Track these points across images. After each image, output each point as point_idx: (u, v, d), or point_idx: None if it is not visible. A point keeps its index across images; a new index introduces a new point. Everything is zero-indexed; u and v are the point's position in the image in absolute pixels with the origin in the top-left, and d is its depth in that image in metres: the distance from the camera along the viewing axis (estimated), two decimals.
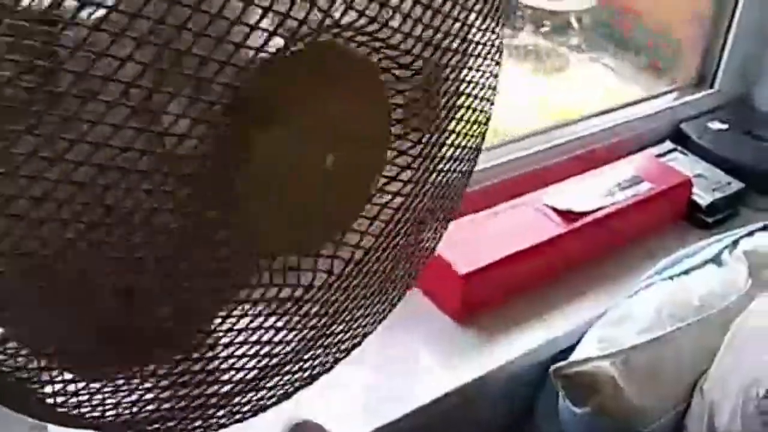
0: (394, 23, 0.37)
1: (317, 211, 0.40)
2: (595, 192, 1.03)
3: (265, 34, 0.31)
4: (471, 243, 0.94)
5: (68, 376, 0.41)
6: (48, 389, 0.41)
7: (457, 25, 0.43)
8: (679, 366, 0.90)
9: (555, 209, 0.99)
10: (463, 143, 0.52)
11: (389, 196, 0.45)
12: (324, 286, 0.46)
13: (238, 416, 0.49)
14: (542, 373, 0.92)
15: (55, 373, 0.40)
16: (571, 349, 0.91)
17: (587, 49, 2.16)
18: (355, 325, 0.54)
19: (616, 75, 1.96)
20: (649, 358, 0.88)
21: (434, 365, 0.88)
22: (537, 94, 2.01)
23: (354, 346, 0.56)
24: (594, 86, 1.97)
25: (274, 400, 0.52)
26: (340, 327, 0.52)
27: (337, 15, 0.34)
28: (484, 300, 0.92)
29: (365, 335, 0.57)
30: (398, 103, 0.42)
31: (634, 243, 1.04)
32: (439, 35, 0.42)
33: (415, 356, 0.89)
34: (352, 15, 0.35)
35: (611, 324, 0.92)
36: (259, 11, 0.30)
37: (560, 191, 1.03)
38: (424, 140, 0.46)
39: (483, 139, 0.56)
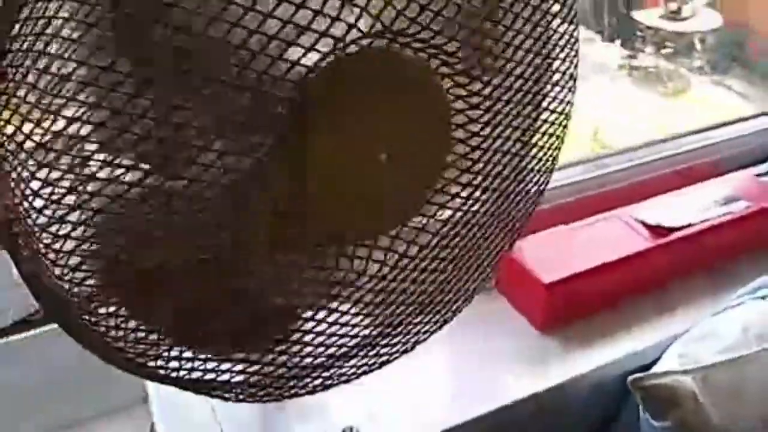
0: (450, 32, 0.40)
1: (375, 202, 0.44)
2: (687, 208, 1.02)
3: (315, 36, 0.36)
4: (558, 253, 0.97)
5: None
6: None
7: (521, 36, 0.46)
8: (764, 387, 0.89)
9: (645, 223, 1.00)
10: (533, 153, 0.55)
11: (448, 197, 0.49)
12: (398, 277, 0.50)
13: (311, 387, 0.54)
14: (625, 386, 0.92)
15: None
16: (655, 363, 0.91)
17: (711, 71, 2.11)
18: (426, 320, 0.58)
19: (741, 98, 1.91)
20: (731, 376, 0.88)
21: (514, 370, 0.91)
22: (657, 116, 1.98)
23: (429, 334, 0.60)
24: (716, 109, 1.93)
25: (346, 378, 0.56)
26: (413, 318, 0.56)
27: (387, 21, 0.38)
28: (568, 310, 0.94)
29: (435, 329, 0.60)
30: (459, 108, 0.46)
31: (727, 261, 1.03)
32: (500, 45, 0.45)
33: (496, 360, 0.92)
34: (404, 21, 0.38)
35: (694, 340, 0.91)
36: (310, 14, 0.35)
37: (652, 206, 1.03)
38: (484, 146, 0.49)
39: (558, 150, 0.58)
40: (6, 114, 0.36)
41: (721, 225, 1.01)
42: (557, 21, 0.50)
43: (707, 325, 0.93)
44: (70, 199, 0.37)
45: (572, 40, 0.53)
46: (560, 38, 0.51)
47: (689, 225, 1.00)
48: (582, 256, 0.95)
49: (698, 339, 0.92)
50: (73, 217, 0.37)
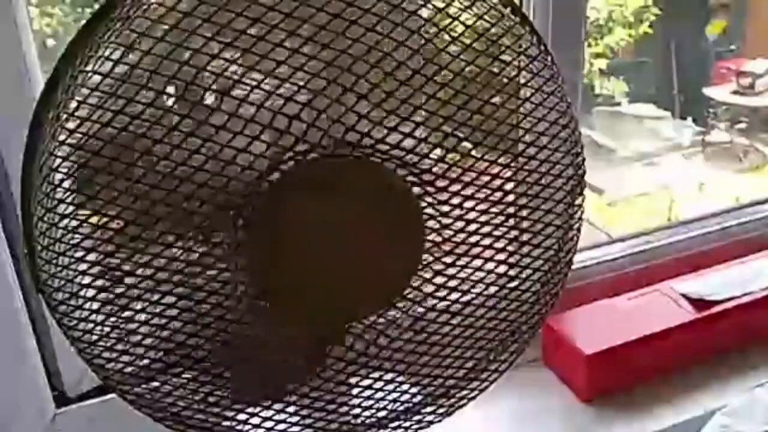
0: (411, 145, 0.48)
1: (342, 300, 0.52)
2: (731, 282, 1.05)
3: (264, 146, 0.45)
4: (601, 326, 1.01)
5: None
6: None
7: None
8: None
9: (687, 297, 1.03)
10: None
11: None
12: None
13: None
14: None
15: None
16: None
17: None
18: (463, 392, 0.63)
19: None
20: None
21: None
22: (732, 193, 1.96)
23: (468, 401, 0.65)
24: None
25: None
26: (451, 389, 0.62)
27: (338, 134, 0.46)
28: (610, 381, 0.98)
29: (473, 396, 0.66)
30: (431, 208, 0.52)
31: None
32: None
33: (541, 430, 0.96)
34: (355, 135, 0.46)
35: (737, 411, 0.93)
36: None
37: (695, 279, 1.06)
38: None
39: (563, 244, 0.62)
40: None
41: (764, 298, 1.03)
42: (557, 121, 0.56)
43: (750, 396, 0.95)
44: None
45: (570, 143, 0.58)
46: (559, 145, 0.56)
47: (732, 298, 1.02)
48: (623, 328, 0.99)
49: (741, 410, 0.94)
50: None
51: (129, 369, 0.54)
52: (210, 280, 0.49)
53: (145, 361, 0.54)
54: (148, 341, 0.52)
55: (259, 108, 0.45)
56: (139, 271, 0.49)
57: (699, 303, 1.02)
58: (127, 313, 0.50)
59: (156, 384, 0.55)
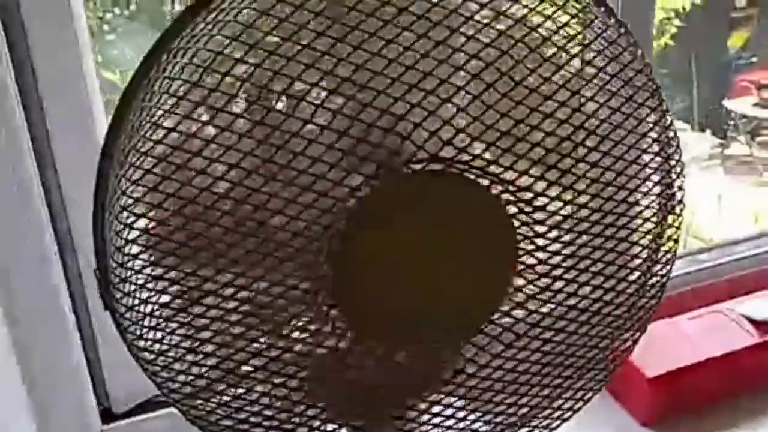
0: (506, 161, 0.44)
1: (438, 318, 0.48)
2: None
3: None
4: (661, 347, 0.97)
5: None
6: None
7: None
8: None
9: (750, 319, 0.99)
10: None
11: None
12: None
13: None
14: None
15: None
16: None
17: None
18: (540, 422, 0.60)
19: None
20: None
21: None
22: (754, 207, 1.92)
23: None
24: None
25: None
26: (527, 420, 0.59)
27: (434, 149, 0.42)
28: (672, 405, 0.94)
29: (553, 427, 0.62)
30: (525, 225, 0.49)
31: None
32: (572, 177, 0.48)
33: None
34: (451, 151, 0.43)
35: None
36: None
37: (757, 301, 1.02)
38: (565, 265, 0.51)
39: (662, 246, 0.59)
40: None
41: None
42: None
43: None
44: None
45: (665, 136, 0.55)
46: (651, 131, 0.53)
47: None
48: (686, 350, 0.96)
49: None
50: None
51: (199, 390, 0.51)
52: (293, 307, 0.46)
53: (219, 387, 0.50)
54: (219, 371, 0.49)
55: (353, 120, 0.42)
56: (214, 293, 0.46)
57: (762, 325, 0.98)
58: (202, 334, 0.47)
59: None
